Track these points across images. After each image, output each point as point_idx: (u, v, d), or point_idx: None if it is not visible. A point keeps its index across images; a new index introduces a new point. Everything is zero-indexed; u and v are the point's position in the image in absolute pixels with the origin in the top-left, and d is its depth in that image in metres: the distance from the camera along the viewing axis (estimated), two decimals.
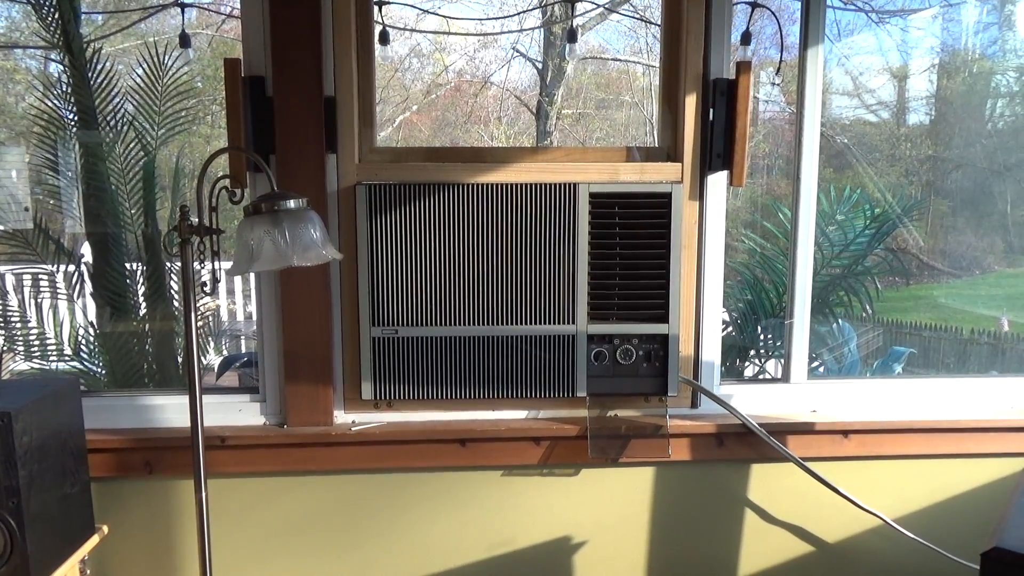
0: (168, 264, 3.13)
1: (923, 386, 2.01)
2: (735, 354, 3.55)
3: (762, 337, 3.57)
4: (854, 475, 1.92)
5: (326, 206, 1.76)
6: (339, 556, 1.91)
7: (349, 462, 1.84)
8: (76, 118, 3.05)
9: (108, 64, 3.02)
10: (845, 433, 1.90)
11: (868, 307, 3.68)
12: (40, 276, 3.07)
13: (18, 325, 3.08)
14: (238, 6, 1.76)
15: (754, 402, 1.96)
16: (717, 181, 1.84)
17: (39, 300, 3.09)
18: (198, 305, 1.54)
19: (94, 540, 1.66)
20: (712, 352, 1.91)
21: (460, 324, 1.81)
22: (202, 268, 1.51)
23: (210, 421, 1.80)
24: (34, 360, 3.11)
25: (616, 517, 1.93)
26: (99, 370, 3.17)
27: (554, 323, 1.82)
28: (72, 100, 3.03)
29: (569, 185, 1.78)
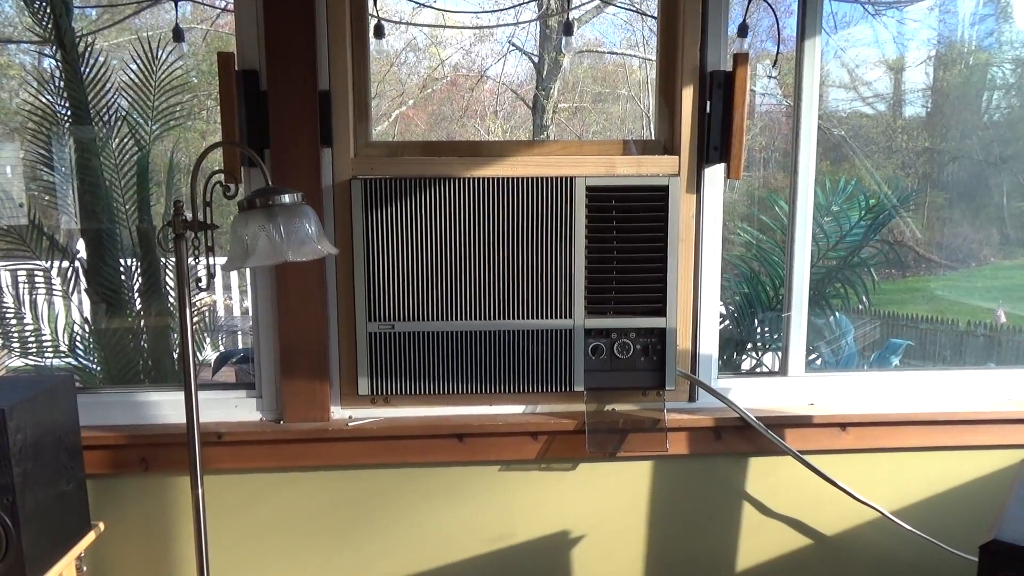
0: (163, 260, 3.11)
1: (921, 378, 2.01)
2: (732, 347, 3.55)
3: (759, 330, 3.57)
4: (852, 468, 1.92)
5: (321, 201, 1.75)
6: (336, 551, 1.90)
7: (346, 458, 1.84)
8: (69, 113, 3.03)
9: (101, 59, 3.01)
10: (843, 426, 1.90)
11: (865, 299, 3.68)
12: (35, 272, 3.06)
13: (13, 321, 3.07)
14: (232, 0, 1.75)
15: (752, 395, 1.96)
16: (714, 174, 1.84)
17: (34, 296, 3.07)
18: (193, 300, 1.53)
19: (90, 537, 1.66)
20: (710, 346, 1.90)
21: (457, 319, 1.80)
22: (197, 264, 1.50)
23: (206, 417, 1.79)
24: (29, 357, 3.10)
25: (614, 511, 1.93)
26: (94, 366, 3.16)
27: (551, 317, 1.81)
28: (65, 95, 3.01)
29: (566, 179, 1.77)
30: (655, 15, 2.01)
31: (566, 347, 1.83)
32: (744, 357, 3.59)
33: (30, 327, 3.07)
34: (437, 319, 1.80)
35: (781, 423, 1.88)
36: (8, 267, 3.16)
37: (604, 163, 1.80)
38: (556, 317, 1.81)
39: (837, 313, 3.71)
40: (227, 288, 4.99)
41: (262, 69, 1.72)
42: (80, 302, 3.16)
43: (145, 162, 3.08)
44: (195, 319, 2.63)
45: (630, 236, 1.80)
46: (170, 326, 3.16)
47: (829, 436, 1.90)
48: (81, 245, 3.15)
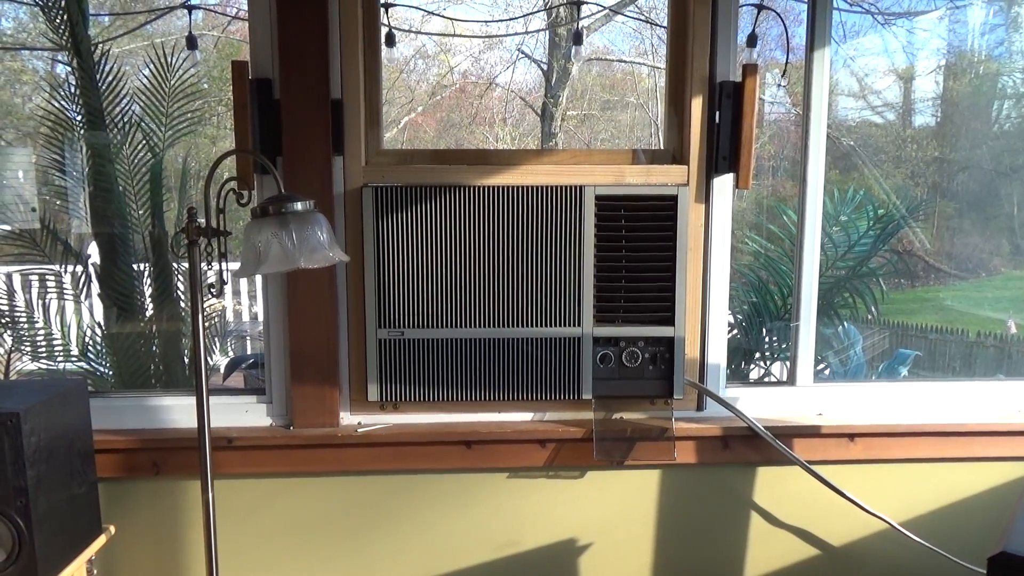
0: (175, 265, 3.14)
1: (930, 389, 2.00)
2: (740, 357, 3.54)
3: (767, 339, 3.57)
4: (860, 479, 1.92)
5: (333, 208, 1.77)
6: (344, 557, 1.91)
7: (355, 463, 1.84)
8: (83, 119, 3.06)
9: (115, 65, 3.03)
10: (851, 436, 1.90)
11: (874, 309, 3.67)
12: (47, 276, 3.08)
13: (25, 325, 3.09)
14: (245, 8, 1.77)
15: (760, 405, 1.96)
16: (723, 183, 1.84)
17: (46, 300, 3.10)
18: (204, 306, 1.55)
19: (101, 540, 1.67)
20: (718, 355, 1.91)
21: (466, 326, 1.81)
22: (209, 269, 1.52)
23: (217, 422, 1.80)
24: (41, 360, 3.12)
25: (621, 519, 1.93)
26: (106, 371, 3.18)
27: (560, 325, 1.82)
28: (79, 101, 3.04)
29: (575, 187, 1.78)
30: (664, 24, 2.02)
31: (574, 355, 1.83)
32: (752, 366, 3.58)
33: (42, 331, 3.09)
34: (446, 326, 1.81)
35: (789, 433, 1.88)
36: (21, 271, 3.19)
37: (613, 172, 1.81)
38: (565, 325, 1.82)
39: (846, 323, 3.70)
40: (236, 293, 5.02)
41: (275, 77, 1.73)
42: (92, 306, 3.18)
43: (159, 168, 3.11)
44: (205, 324, 2.65)
45: (639, 245, 1.81)
46: (181, 331, 3.18)
47: (837, 447, 1.90)
48: (93, 249, 3.18)
